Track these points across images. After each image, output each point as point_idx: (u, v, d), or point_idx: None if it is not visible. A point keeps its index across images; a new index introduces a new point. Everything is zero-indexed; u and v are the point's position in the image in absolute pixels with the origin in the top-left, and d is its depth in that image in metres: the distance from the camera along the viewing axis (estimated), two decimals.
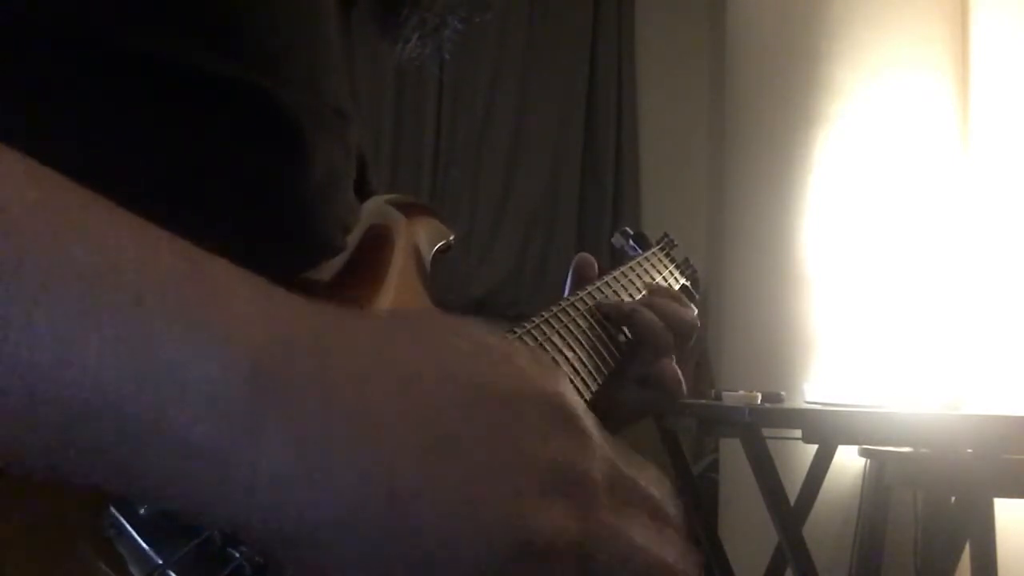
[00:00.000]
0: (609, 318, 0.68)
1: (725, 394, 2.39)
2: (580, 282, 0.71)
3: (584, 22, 4.68)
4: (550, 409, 0.32)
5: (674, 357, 0.69)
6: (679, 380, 0.69)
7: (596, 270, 0.73)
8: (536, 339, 0.58)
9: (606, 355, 0.66)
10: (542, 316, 0.61)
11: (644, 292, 0.78)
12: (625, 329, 0.69)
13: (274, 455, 0.27)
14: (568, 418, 0.32)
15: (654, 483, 0.35)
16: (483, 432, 0.30)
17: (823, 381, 2.79)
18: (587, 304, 0.67)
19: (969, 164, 3.01)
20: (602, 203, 4.62)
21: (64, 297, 0.25)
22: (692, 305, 0.74)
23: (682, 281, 0.90)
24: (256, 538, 0.28)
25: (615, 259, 0.84)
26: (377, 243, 0.57)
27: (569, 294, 0.68)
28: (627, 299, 0.75)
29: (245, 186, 0.47)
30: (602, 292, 0.72)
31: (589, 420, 0.33)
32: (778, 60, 3.16)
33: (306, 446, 0.27)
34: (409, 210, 0.63)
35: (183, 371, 0.26)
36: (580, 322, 0.65)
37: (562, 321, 0.63)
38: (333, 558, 0.28)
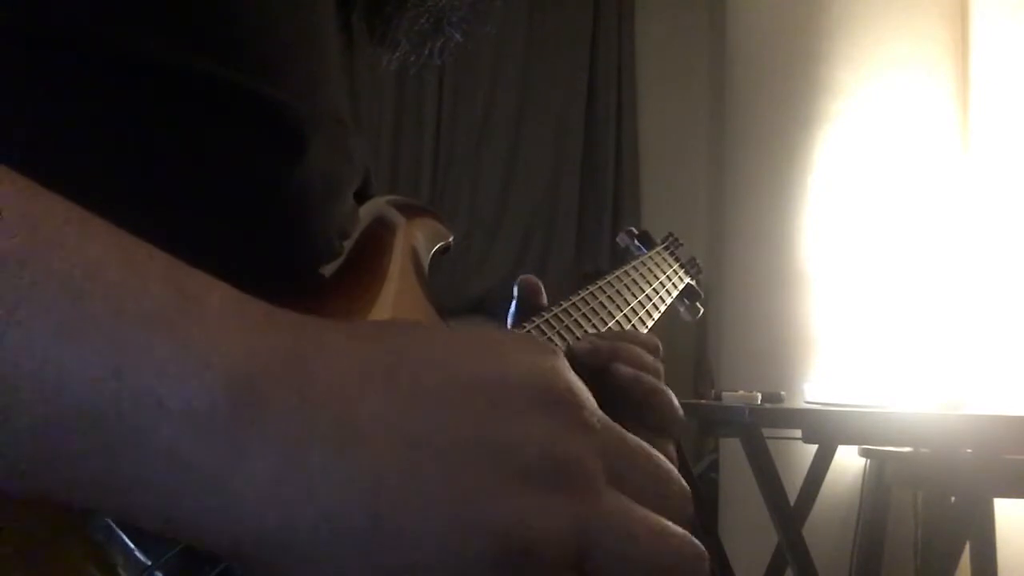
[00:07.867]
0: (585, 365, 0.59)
1: (725, 394, 2.40)
2: (526, 309, 0.65)
3: (584, 22, 4.68)
4: (538, 391, 0.30)
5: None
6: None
7: (543, 296, 0.67)
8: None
9: None
10: (542, 316, 0.61)
11: (646, 292, 0.78)
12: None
13: (257, 462, 0.26)
14: (559, 397, 0.30)
15: (656, 457, 0.33)
16: (465, 425, 0.28)
17: (823, 381, 2.78)
18: (589, 304, 0.67)
19: (969, 164, 3.01)
20: (602, 203, 4.62)
21: (43, 308, 0.25)
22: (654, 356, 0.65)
23: (687, 280, 0.90)
24: (238, 550, 0.28)
25: (617, 259, 0.84)
26: (375, 245, 0.57)
27: (521, 314, 0.64)
28: (630, 298, 0.75)
29: (244, 191, 0.46)
30: (604, 292, 0.72)
31: (585, 396, 0.31)
32: (778, 60, 3.16)
33: (289, 453, 0.27)
34: (408, 211, 0.62)
35: (162, 386, 0.26)
36: (582, 323, 0.65)
37: (563, 321, 0.63)
38: (316, 567, 0.27)
